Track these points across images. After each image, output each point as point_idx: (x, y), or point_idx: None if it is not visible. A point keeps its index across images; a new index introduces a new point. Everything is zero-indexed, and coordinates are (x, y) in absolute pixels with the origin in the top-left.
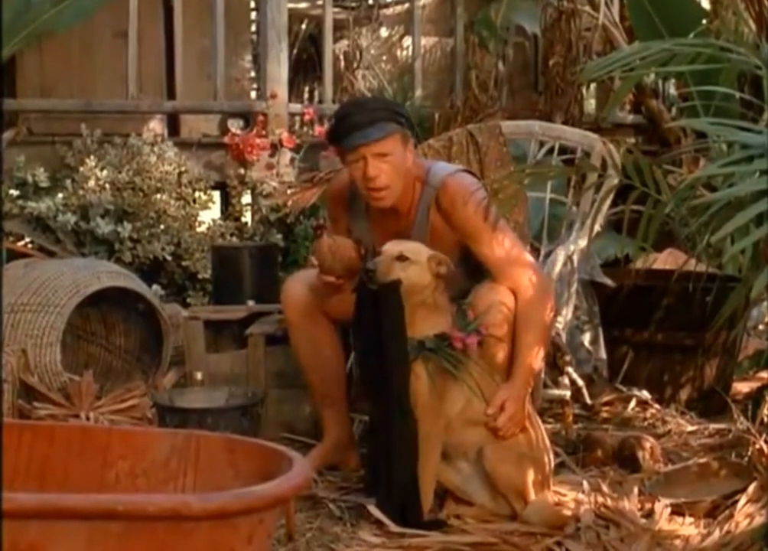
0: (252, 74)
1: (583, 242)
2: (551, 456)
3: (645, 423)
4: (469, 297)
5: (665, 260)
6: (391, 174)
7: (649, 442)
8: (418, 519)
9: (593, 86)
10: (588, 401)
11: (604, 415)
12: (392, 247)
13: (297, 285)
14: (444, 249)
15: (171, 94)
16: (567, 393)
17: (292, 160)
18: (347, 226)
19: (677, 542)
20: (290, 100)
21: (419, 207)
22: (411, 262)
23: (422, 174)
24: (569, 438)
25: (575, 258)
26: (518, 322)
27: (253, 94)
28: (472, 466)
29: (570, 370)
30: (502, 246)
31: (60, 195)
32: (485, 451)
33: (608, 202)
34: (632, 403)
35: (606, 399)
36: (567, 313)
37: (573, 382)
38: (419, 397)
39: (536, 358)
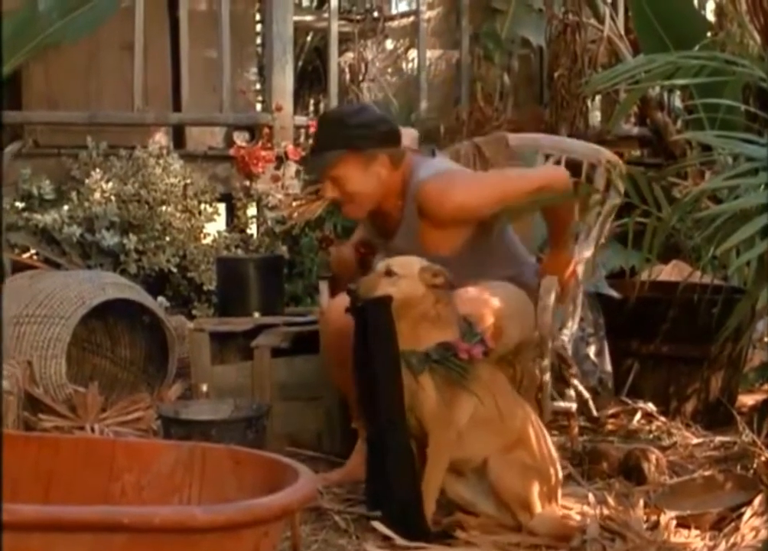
0: (258, 86)
1: (588, 253)
2: (559, 468)
3: (651, 435)
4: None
5: (670, 272)
6: (350, 192)
7: (654, 454)
8: (421, 531)
9: (598, 98)
10: (595, 413)
11: (610, 427)
12: (381, 263)
13: (339, 308)
14: (446, 243)
15: (177, 106)
16: (573, 406)
17: (297, 172)
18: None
19: None
20: (295, 112)
21: (405, 213)
22: (400, 276)
23: (407, 180)
24: (574, 450)
25: (579, 269)
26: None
27: (258, 106)
28: (478, 477)
29: (576, 382)
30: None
31: (66, 207)
32: (489, 463)
33: (610, 220)
34: (638, 415)
35: (611, 411)
36: (572, 325)
37: (579, 394)
38: (426, 409)
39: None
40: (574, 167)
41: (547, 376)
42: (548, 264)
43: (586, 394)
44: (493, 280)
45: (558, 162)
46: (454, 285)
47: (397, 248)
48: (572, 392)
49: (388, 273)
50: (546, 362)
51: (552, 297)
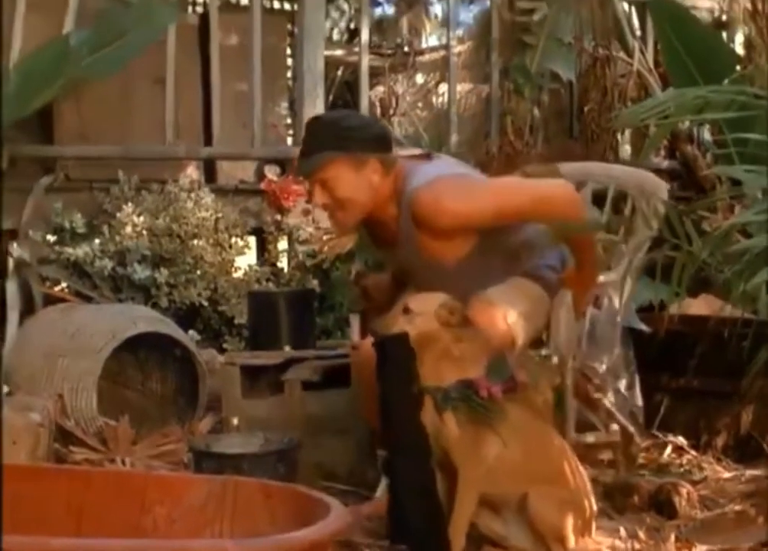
0: (289, 120)
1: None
2: (593, 502)
3: (682, 469)
4: None
5: (700, 306)
6: (340, 198)
7: (685, 488)
8: None
9: (627, 131)
10: (639, 442)
11: (641, 461)
12: (403, 301)
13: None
14: (449, 252)
15: (208, 140)
16: (616, 437)
17: None
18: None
19: None
20: None
21: (401, 222)
22: (417, 313)
23: (400, 188)
24: (606, 484)
25: (614, 299)
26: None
27: (290, 140)
28: (514, 514)
29: (617, 413)
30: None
31: (97, 241)
32: (529, 497)
33: (642, 252)
34: (669, 449)
35: (642, 445)
36: (610, 356)
37: (623, 428)
38: (450, 444)
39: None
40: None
41: (568, 397)
42: (568, 279)
43: (631, 428)
44: (506, 276)
45: (604, 192)
46: (472, 323)
47: (401, 258)
48: (615, 426)
49: (406, 311)
50: (568, 382)
51: (563, 313)
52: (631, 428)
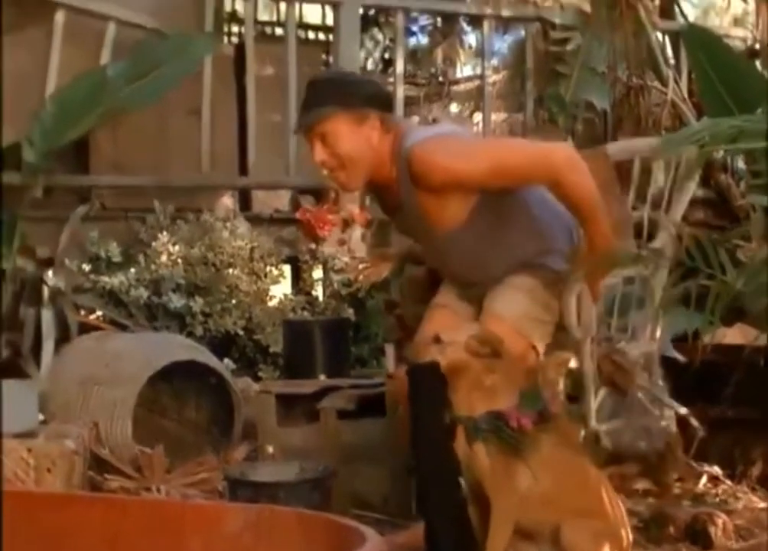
0: None
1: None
2: (629, 532)
3: (717, 499)
4: None
5: (735, 335)
6: (340, 154)
7: (721, 518)
8: None
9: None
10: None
11: (676, 490)
12: (431, 329)
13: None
14: (449, 213)
15: (243, 170)
16: (672, 425)
17: (363, 235)
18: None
19: None
20: None
21: (401, 183)
22: (447, 343)
23: (397, 148)
24: (641, 514)
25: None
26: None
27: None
28: (549, 545)
29: (668, 399)
30: (506, 169)
31: (133, 270)
32: (564, 528)
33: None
34: (704, 479)
35: (677, 474)
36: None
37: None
38: (482, 475)
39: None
40: None
41: (589, 381)
42: (580, 259)
43: (682, 410)
44: (506, 261)
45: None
46: (502, 354)
47: (406, 223)
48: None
49: (437, 340)
50: (587, 367)
51: (574, 295)
52: (677, 407)
